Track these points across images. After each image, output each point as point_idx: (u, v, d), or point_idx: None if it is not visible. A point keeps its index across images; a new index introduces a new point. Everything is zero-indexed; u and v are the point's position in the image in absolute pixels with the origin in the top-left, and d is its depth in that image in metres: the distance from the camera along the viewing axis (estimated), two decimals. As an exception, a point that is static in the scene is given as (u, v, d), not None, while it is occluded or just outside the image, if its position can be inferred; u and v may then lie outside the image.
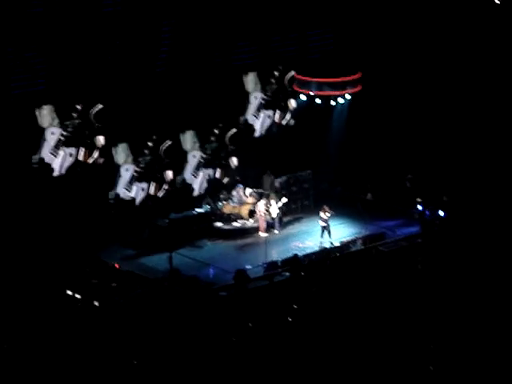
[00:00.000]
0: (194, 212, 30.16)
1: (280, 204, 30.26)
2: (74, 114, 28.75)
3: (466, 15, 33.51)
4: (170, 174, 29.47)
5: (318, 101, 31.22)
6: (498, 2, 32.59)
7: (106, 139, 28.89)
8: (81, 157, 28.63)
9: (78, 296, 25.92)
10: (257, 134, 31.90)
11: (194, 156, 30.39)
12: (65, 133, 28.61)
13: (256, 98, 31.89)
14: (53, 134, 28.58)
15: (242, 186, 30.82)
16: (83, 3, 29.55)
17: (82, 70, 29.57)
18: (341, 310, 25.57)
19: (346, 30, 34.12)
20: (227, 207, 30.50)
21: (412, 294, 26.41)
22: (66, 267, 26.86)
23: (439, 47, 33.76)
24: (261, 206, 30.01)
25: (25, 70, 28.97)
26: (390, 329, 24.79)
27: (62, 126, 28.63)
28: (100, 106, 28.50)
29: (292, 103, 31.94)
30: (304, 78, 31.22)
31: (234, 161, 30.77)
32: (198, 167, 30.44)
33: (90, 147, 28.85)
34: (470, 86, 33.32)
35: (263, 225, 29.92)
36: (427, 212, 29.92)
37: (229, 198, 30.66)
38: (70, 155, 28.77)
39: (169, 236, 28.37)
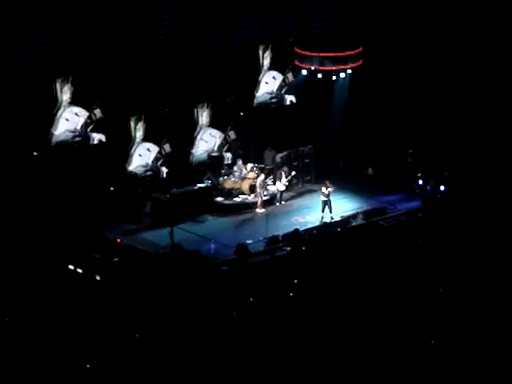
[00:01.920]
0: (194, 187, 30.18)
1: (290, 177, 30.29)
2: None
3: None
4: (167, 146, 29.41)
5: (319, 76, 31.13)
6: None
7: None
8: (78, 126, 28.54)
9: (79, 270, 26.03)
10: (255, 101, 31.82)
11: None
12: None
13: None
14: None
15: (241, 161, 30.83)
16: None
17: (84, 42, 29.53)
18: (341, 284, 25.67)
19: (348, 5, 33.99)
20: (228, 182, 30.52)
21: (413, 269, 26.50)
22: (68, 242, 26.95)
23: (442, 20, 33.63)
24: (259, 181, 30.04)
25: (25, 42, 28.91)
26: (391, 305, 24.90)
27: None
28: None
29: (289, 77, 31.78)
30: (305, 52, 31.12)
31: (232, 135, 30.73)
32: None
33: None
34: (472, 59, 33.21)
35: (260, 201, 29.97)
36: (428, 187, 29.93)
37: (230, 173, 30.68)
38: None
39: (170, 211, 28.41)
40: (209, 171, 30.53)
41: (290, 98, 32.17)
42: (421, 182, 30.15)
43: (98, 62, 29.52)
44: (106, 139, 29.34)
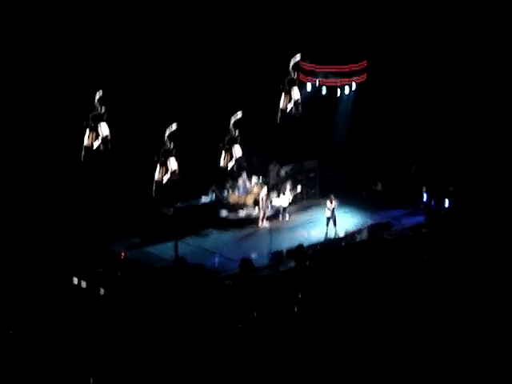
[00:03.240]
0: (199, 201, 30.17)
1: (295, 192, 30.29)
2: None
3: (472, 7, 33.43)
4: (173, 161, 29.31)
5: (324, 90, 31.16)
6: None
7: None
8: (85, 142, 28.56)
9: (83, 284, 26.02)
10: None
11: None
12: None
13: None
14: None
15: (246, 175, 30.83)
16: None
17: (91, 56, 29.59)
18: (346, 299, 25.62)
19: (352, 19, 34.04)
20: (233, 196, 30.52)
21: (417, 284, 26.45)
22: (73, 255, 26.95)
23: (445, 36, 33.68)
24: (262, 195, 30.02)
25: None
26: (394, 319, 24.85)
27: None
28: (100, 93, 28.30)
29: (295, 92, 31.72)
30: (310, 67, 31.16)
31: (238, 150, 30.65)
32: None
33: (95, 133, 28.85)
34: (475, 76, 33.25)
35: (262, 215, 29.95)
36: (432, 202, 29.90)
37: (234, 187, 30.68)
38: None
39: (174, 224, 28.41)
40: (214, 185, 30.54)
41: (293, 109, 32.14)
42: (425, 196, 30.11)
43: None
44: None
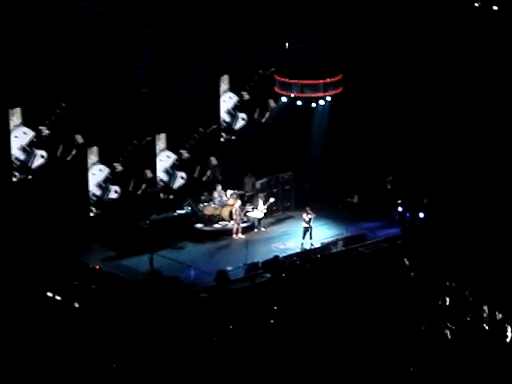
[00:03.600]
0: (174, 213, 30.11)
1: (268, 204, 30.33)
2: (56, 111, 28.54)
3: (447, 18, 33.70)
4: (148, 172, 29.26)
5: (299, 102, 31.26)
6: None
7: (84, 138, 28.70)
8: (59, 153, 28.47)
9: (58, 297, 25.82)
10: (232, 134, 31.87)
11: (169, 156, 30.38)
12: (39, 133, 28.48)
13: (231, 98, 31.88)
14: (25, 134, 28.44)
15: (221, 187, 30.83)
16: (64, 4, 29.50)
17: (63, 70, 29.49)
18: (322, 311, 25.61)
19: (328, 32, 34.20)
20: (208, 209, 30.49)
21: (393, 296, 26.49)
22: (47, 269, 26.75)
23: (420, 48, 33.91)
24: (236, 208, 30.03)
25: (6, 70, 28.86)
26: (371, 330, 24.86)
27: (36, 128, 28.48)
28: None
29: (271, 103, 31.85)
30: (285, 79, 31.25)
31: (213, 160, 30.71)
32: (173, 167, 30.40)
33: (68, 145, 28.67)
34: (449, 88, 33.49)
35: (236, 227, 29.95)
36: (407, 214, 30.02)
37: (210, 200, 30.66)
38: (42, 157, 28.64)
39: (150, 237, 28.30)
40: (189, 198, 30.49)
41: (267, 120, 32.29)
42: (400, 208, 30.24)
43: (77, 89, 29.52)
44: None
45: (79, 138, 28.76)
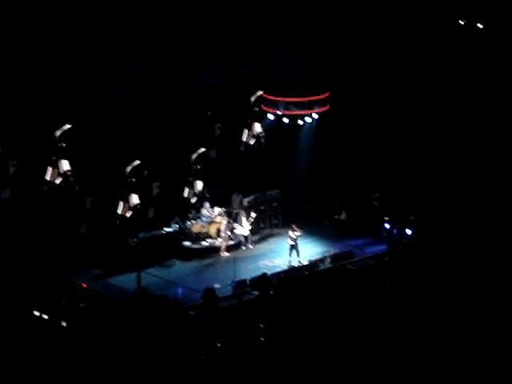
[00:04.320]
0: (162, 231, 30.08)
1: (251, 220, 30.36)
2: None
3: (432, 36, 33.97)
4: (135, 197, 28.91)
5: (285, 120, 31.37)
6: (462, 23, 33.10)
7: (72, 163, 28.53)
8: (48, 176, 28.32)
9: (45, 316, 25.71)
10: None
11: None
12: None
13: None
14: None
15: (209, 204, 30.84)
16: (49, 23, 29.55)
17: (49, 90, 29.51)
18: (310, 328, 25.61)
19: (314, 51, 34.40)
20: (196, 226, 30.48)
21: (380, 312, 26.53)
22: (34, 288, 26.64)
23: (405, 66, 34.15)
24: (223, 225, 30.04)
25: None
26: (359, 348, 24.88)
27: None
28: (67, 127, 28.16)
29: (256, 127, 31.73)
30: (271, 97, 31.36)
31: (199, 185, 30.53)
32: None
33: (56, 169, 28.55)
34: (434, 105, 33.72)
35: (224, 245, 29.96)
36: (394, 230, 30.11)
37: (197, 217, 30.65)
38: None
39: (137, 255, 28.25)
40: (176, 215, 30.48)
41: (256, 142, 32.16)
42: (387, 225, 30.33)
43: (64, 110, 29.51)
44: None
45: (65, 165, 28.43)
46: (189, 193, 30.50)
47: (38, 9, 29.43)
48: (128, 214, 28.49)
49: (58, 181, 28.10)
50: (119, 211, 28.55)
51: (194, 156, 30.39)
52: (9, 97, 29.32)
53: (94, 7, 30.26)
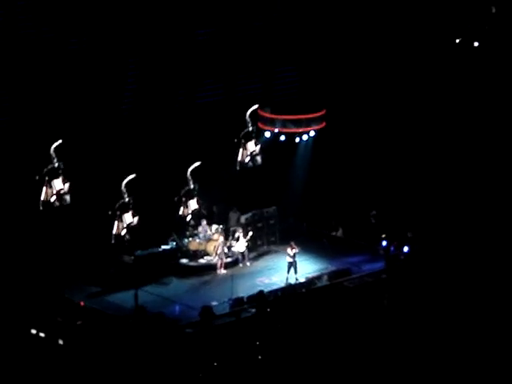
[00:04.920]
0: (159, 249, 30.07)
1: (247, 238, 30.38)
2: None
3: (429, 54, 34.12)
4: (129, 216, 28.73)
5: (282, 137, 31.42)
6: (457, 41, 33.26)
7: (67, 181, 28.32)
8: (42, 196, 28.16)
9: (42, 334, 25.66)
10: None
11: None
12: None
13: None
14: None
15: (206, 222, 30.83)
16: (49, 41, 29.66)
17: (46, 107, 29.59)
18: (307, 345, 25.57)
19: (311, 68, 34.51)
20: (193, 244, 30.48)
21: (377, 330, 26.51)
22: (31, 306, 26.60)
23: (402, 83, 34.27)
24: (219, 243, 30.04)
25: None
26: (356, 365, 24.84)
27: None
28: (59, 142, 28.05)
29: (251, 146, 31.66)
30: (268, 115, 31.43)
31: (193, 204, 30.44)
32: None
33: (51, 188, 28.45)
34: (431, 123, 33.82)
35: (221, 262, 29.95)
36: (392, 248, 30.11)
37: (194, 235, 30.66)
38: None
39: (134, 273, 28.24)
40: (173, 233, 30.48)
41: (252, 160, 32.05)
42: (384, 242, 30.33)
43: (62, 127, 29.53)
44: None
45: (58, 184, 28.29)
46: (183, 212, 30.46)
47: (36, 26, 29.54)
48: (123, 233, 28.46)
49: (52, 199, 28.02)
50: (114, 231, 28.50)
51: (189, 171, 30.32)
52: (7, 115, 29.38)
53: (93, 25, 30.38)
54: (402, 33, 34.11)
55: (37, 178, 27.60)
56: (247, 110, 31.28)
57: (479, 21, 33.51)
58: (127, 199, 28.52)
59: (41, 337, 25.66)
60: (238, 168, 31.43)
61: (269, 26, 33.80)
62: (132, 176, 28.49)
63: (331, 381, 24.28)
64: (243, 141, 31.21)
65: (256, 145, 31.32)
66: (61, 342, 25.33)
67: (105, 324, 26.11)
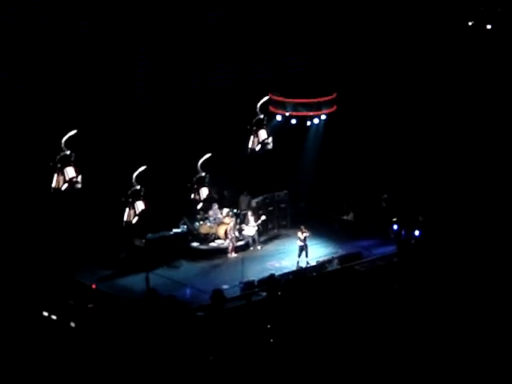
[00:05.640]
0: (170, 232, 30.13)
1: (259, 222, 30.41)
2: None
3: (440, 37, 33.95)
4: (140, 204, 28.65)
5: (293, 121, 31.37)
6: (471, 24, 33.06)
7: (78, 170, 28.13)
8: (54, 183, 28.17)
9: (54, 317, 25.80)
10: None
11: None
12: None
13: None
14: None
15: (217, 205, 30.87)
16: (58, 25, 29.65)
17: (57, 92, 29.60)
18: (318, 329, 25.62)
19: (322, 51, 34.40)
20: (204, 227, 30.52)
21: (388, 313, 26.52)
22: (42, 288, 26.74)
23: (413, 67, 34.14)
24: (230, 226, 30.07)
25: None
26: (367, 350, 24.87)
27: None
28: (72, 132, 28.11)
29: (262, 134, 31.55)
30: (279, 98, 31.37)
31: (204, 192, 30.39)
32: None
33: (63, 175, 28.42)
34: (443, 106, 33.68)
35: (232, 246, 29.99)
36: (403, 231, 30.08)
37: (205, 218, 30.70)
38: None
39: (146, 256, 28.32)
40: (185, 216, 30.53)
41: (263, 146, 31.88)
42: (396, 226, 30.30)
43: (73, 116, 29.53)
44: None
45: (70, 172, 28.34)
46: (195, 198, 30.44)
47: (46, 10, 29.52)
48: (134, 221, 28.50)
49: (63, 187, 28.03)
50: (125, 218, 28.55)
51: (200, 162, 30.32)
52: (17, 97, 29.41)
53: (103, 8, 30.34)
54: (415, 15, 33.94)
55: (51, 164, 27.62)
56: (259, 94, 31.23)
57: (492, 3, 33.31)
58: (138, 187, 28.54)
59: (53, 319, 25.78)
60: (248, 153, 31.41)
61: (280, 8, 33.68)
62: (143, 168, 28.52)
63: (342, 364, 24.32)
64: (255, 128, 31.16)
65: (267, 134, 31.27)
66: (72, 324, 25.44)
67: (116, 307, 26.21)
